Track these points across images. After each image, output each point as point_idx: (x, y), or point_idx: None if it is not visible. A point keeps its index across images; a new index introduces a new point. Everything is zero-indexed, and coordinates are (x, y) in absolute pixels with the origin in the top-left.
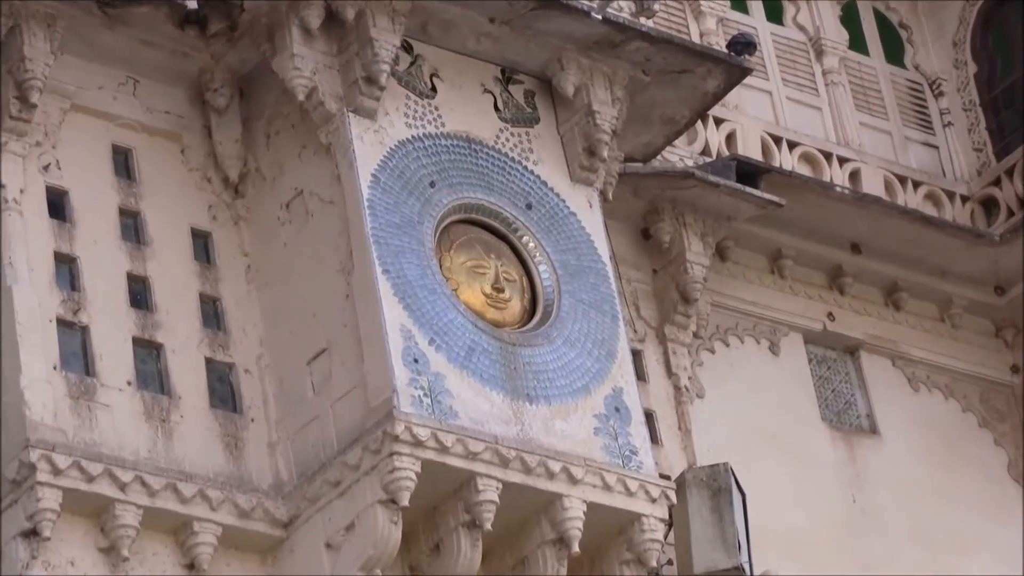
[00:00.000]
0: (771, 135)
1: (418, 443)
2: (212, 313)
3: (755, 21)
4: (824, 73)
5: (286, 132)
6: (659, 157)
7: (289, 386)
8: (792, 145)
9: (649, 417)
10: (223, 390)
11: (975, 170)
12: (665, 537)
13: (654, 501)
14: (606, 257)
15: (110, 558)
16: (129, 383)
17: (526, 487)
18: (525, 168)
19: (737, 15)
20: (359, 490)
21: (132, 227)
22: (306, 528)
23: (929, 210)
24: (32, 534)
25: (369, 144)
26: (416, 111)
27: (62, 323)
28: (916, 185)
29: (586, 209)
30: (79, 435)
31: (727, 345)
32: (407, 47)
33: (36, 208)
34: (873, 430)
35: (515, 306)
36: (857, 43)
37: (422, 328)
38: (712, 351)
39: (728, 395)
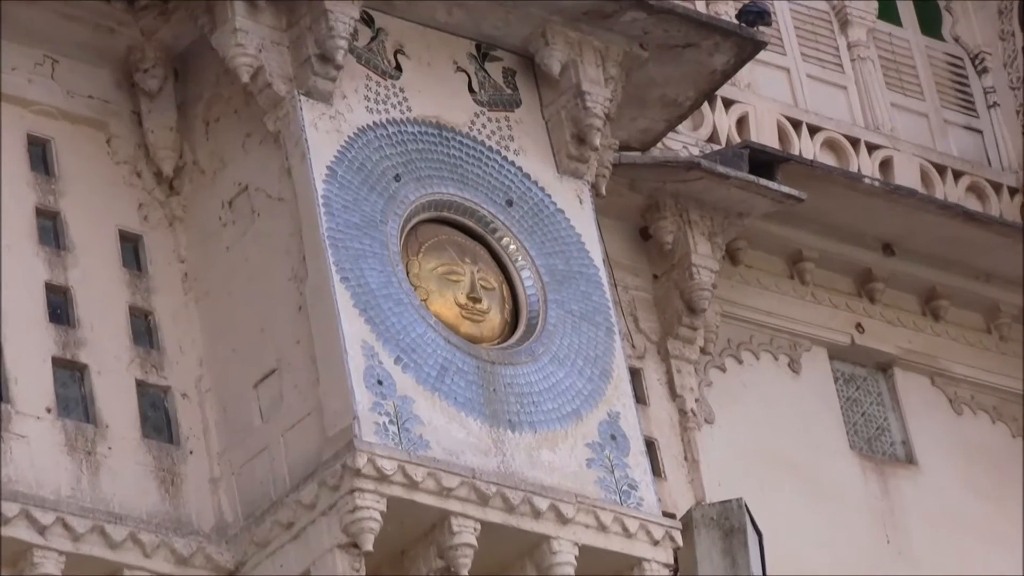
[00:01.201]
0: (789, 119)
1: (383, 478)
2: (144, 329)
3: None
4: (850, 47)
5: (228, 119)
6: (659, 145)
7: (233, 413)
8: (813, 130)
9: (650, 446)
10: (157, 418)
11: None
12: None
13: (657, 543)
14: (599, 261)
15: None
16: (48, 410)
17: (508, 528)
18: (504, 159)
19: None
20: (315, 532)
21: (51, 229)
22: None
23: (972, 204)
24: None
25: (324, 132)
26: (378, 94)
27: None
28: (957, 175)
29: (575, 205)
30: None
31: (740, 362)
32: (367, 19)
33: None
34: (909, 459)
35: (494, 318)
36: (888, 12)
37: (387, 344)
38: (723, 369)
39: (741, 420)
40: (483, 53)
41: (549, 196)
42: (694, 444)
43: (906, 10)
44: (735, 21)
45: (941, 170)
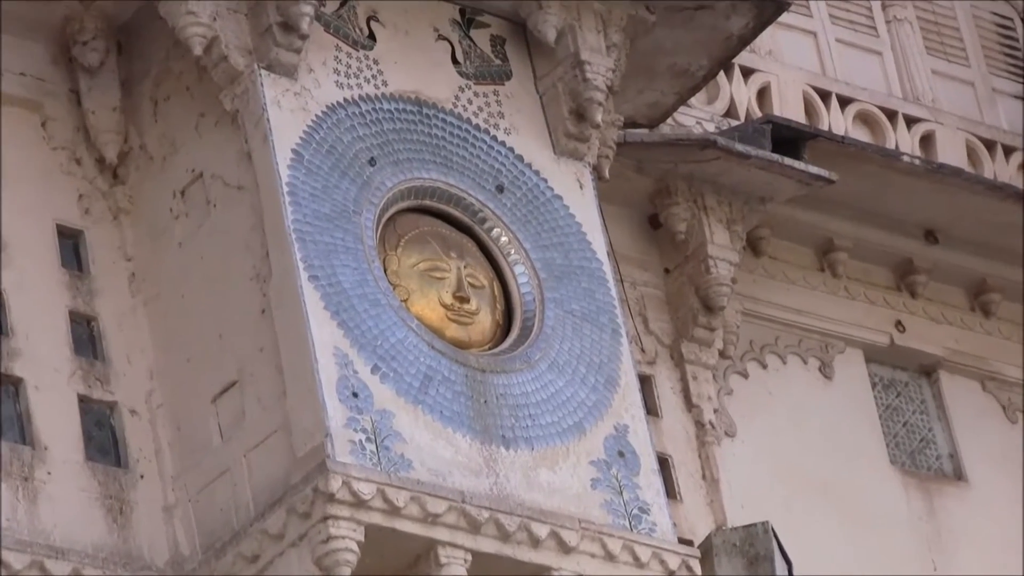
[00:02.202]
0: (816, 89)
1: (360, 503)
2: (86, 337)
3: None
4: (885, 7)
5: (179, 97)
6: (670, 121)
7: (189, 431)
8: (844, 102)
9: (664, 463)
10: (103, 438)
11: None
12: None
13: (672, 574)
14: (602, 254)
15: None
16: None
17: (503, 558)
18: (494, 139)
19: None
20: (284, 566)
21: None
22: None
23: None
24: None
25: (288, 111)
26: (349, 67)
27: None
28: (1008, 151)
29: (575, 191)
30: None
31: (764, 367)
32: None
33: None
34: (958, 475)
35: (484, 320)
36: None
37: (362, 351)
38: (744, 375)
39: (767, 432)
40: (468, 19)
41: (545, 181)
42: (713, 461)
43: None
44: None
45: (990, 146)
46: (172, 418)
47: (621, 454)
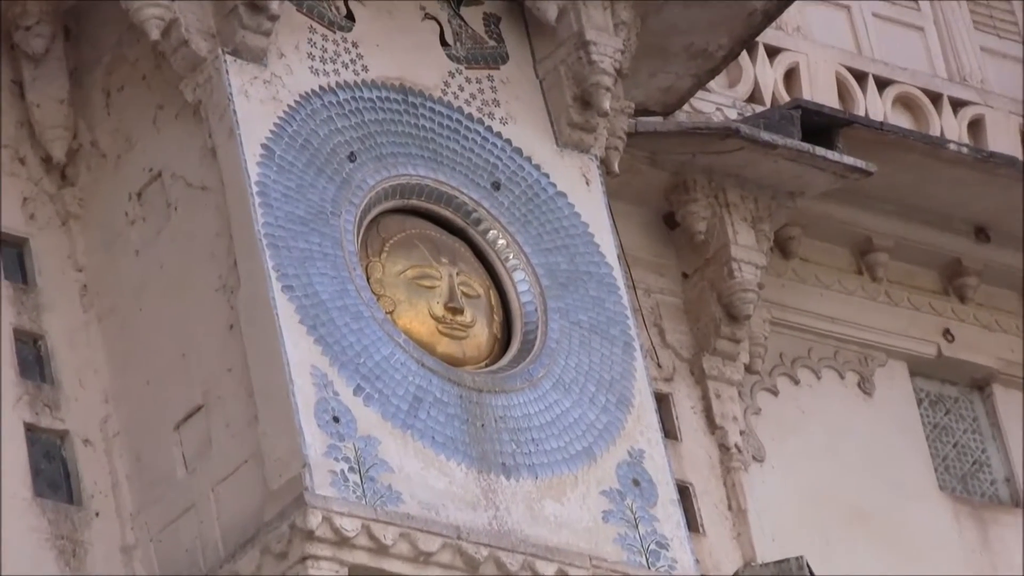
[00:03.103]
0: (851, 70)
1: (343, 541)
2: (32, 358)
3: None
4: None
5: (134, 87)
6: (686, 107)
7: (150, 462)
8: (882, 84)
9: (684, 492)
10: (53, 471)
11: None
12: None
13: None
14: (613, 257)
15: None
16: None
17: None
18: (489, 129)
19: None
20: None
21: None
22: None
23: None
24: None
25: (257, 101)
26: (325, 50)
27: None
28: None
29: (581, 187)
30: None
31: (796, 382)
32: None
33: None
34: (1015, 501)
35: (480, 334)
36: None
37: (343, 370)
38: (774, 392)
39: (800, 456)
40: None
41: (547, 176)
42: (740, 489)
43: None
44: None
45: None
46: (130, 448)
47: (636, 483)
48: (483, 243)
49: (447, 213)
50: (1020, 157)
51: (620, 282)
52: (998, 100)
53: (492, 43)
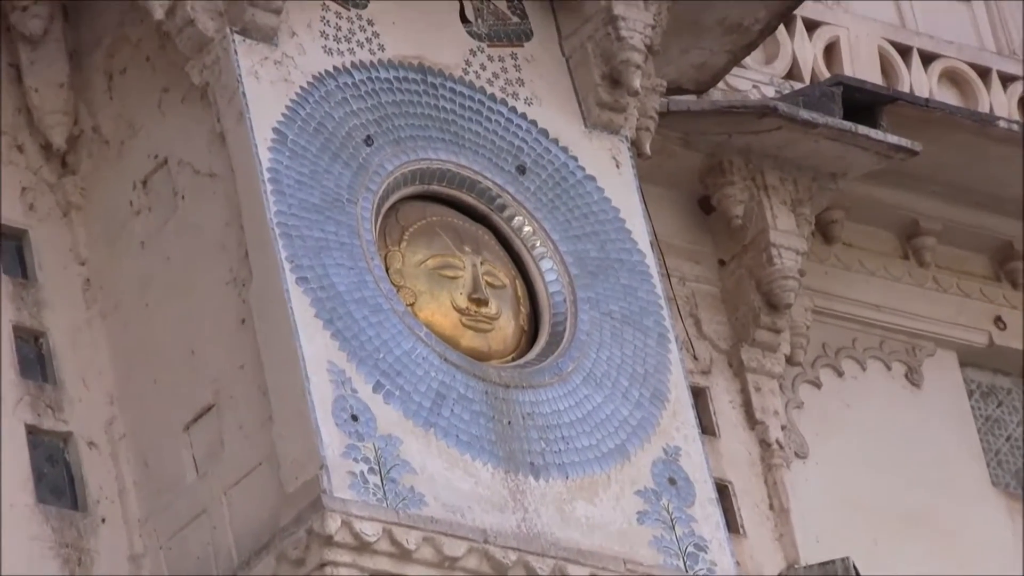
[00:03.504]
0: (895, 44)
1: (363, 546)
2: (34, 356)
3: None
4: None
5: (137, 70)
6: (721, 85)
7: (158, 466)
8: (928, 58)
9: (723, 491)
10: (56, 476)
11: None
12: None
13: None
14: (645, 244)
15: None
16: None
17: None
18: (513, 111)
19: None
20: None
21: None
22: None
23: None
24: None
25: (268, 83)
26: (339, 28)
27: None
28: None
29: (611, 170)
30: None
31: (840, 374)
32: None
33: None
34: None
35: (506, 326)
36: None
37: (362, 366)
38: (817, 384)
39: (844, 452)
40: None
41: (575, 159)
42: (782, 487)
43: None
44: None
45: None
46: (137, 451)
47: (672, 481)
48: (508, 230)
49: (470, 199)
50: None
51: (653, 270)
52: None
53: (515, 19)
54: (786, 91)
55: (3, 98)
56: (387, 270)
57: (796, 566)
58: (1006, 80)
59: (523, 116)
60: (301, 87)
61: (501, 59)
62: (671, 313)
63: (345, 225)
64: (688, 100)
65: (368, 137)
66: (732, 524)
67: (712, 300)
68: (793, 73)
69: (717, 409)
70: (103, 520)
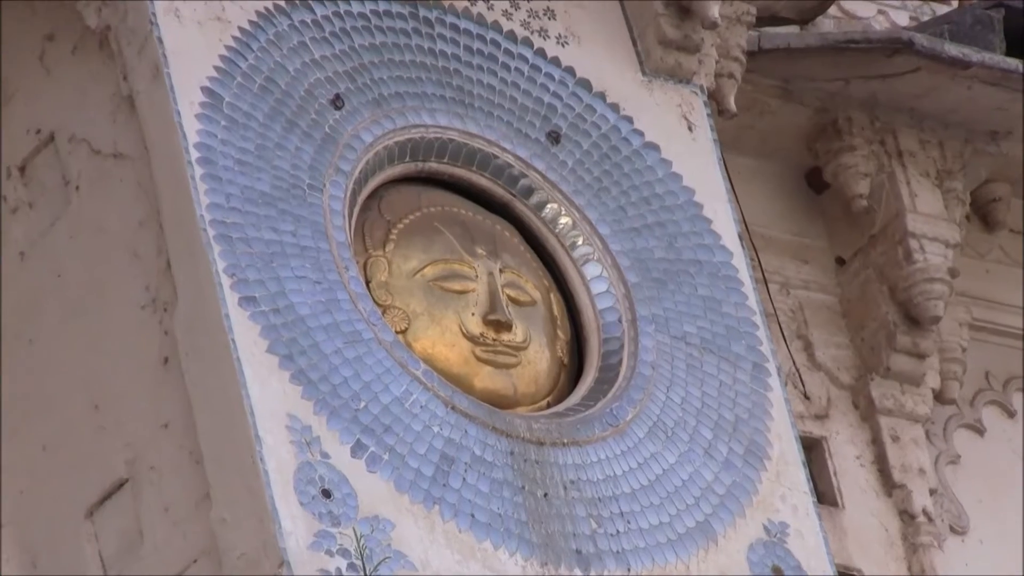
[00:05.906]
0: None
1: None
2: None
3: None
4: None
5: (9, 10)
6: (834, 11)
7: (52, 565)
8: None
9: None
10: None
11: None
12: None
13: None
14: (732, 238)
15: None
16: None
17: None
18: (541, 54)
19: None
20: None
21: None
22: None
23: None
24: None
25: (194, 24)
26: None
27: None
28: None
29: (681, 135)
30: None
31: (1010, 414)
32: None
33: None
34: None
35: (537, 359)
36: None
37: (335, 420)
38: (979, 430)
39: (1018, 523)
40: None
41: (629, 121)
42: (933, 574)
43: None
44: None
45: None
46: (22, 546)
47: (778, 572)
48: (537, 223)
49: (483, 181)
50: None
51: (745, 274)
52: None
53: None
54: (925, 17)
55: None
56: (368, 284)
57: None
58: None
59: (555, 62)
60: (241, 28)
61: None
62: (770, 334)
63: (307, 222)
64: (788, 34)
65: (337, 97)
66: None
67: (828, 315)
68: None
69: (839, 468)
70: None
